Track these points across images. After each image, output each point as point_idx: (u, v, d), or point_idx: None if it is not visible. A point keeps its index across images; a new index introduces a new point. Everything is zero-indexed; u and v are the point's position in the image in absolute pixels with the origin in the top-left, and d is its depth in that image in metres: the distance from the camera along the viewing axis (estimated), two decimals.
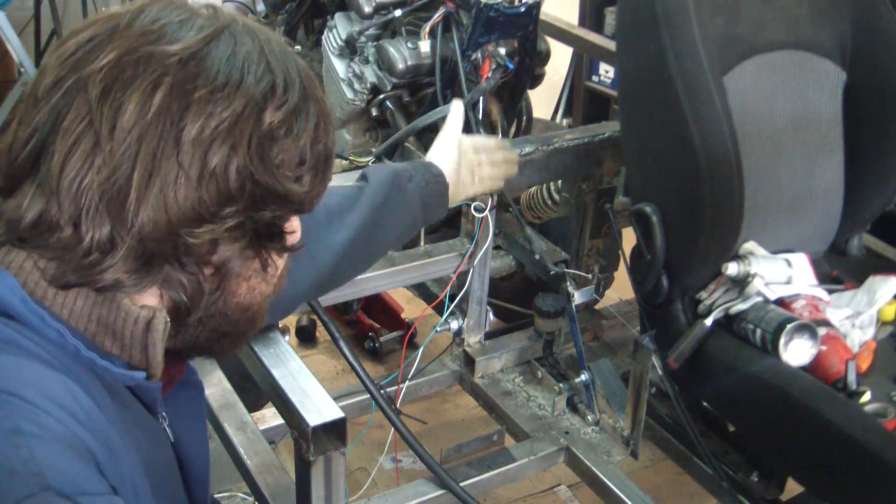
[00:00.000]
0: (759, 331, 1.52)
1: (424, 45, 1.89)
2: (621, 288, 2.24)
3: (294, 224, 0.87)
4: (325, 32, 2.11)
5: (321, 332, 2.73)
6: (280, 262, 0.87)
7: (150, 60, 0.74)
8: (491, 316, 1.91)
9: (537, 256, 1.76)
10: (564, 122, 3.16)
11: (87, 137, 0.72)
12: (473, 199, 1.61)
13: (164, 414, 0.89)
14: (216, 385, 1.57)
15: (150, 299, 0.79)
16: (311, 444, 1.12)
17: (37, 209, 0.73)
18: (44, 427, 0.68)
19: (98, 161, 0.72)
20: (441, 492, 1.54)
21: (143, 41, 0.75)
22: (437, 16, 1.87)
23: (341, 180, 1.65)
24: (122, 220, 0.73)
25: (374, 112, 2.05)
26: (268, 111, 0.77)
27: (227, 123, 0.75)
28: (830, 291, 1.65)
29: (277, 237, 0.83)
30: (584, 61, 3.09)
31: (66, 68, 0.75)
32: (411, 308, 2.67)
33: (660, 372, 1.60)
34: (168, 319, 0.80)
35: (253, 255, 0.82)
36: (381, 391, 1.45)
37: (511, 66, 1.88)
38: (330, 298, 1.48)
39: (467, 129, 1.89)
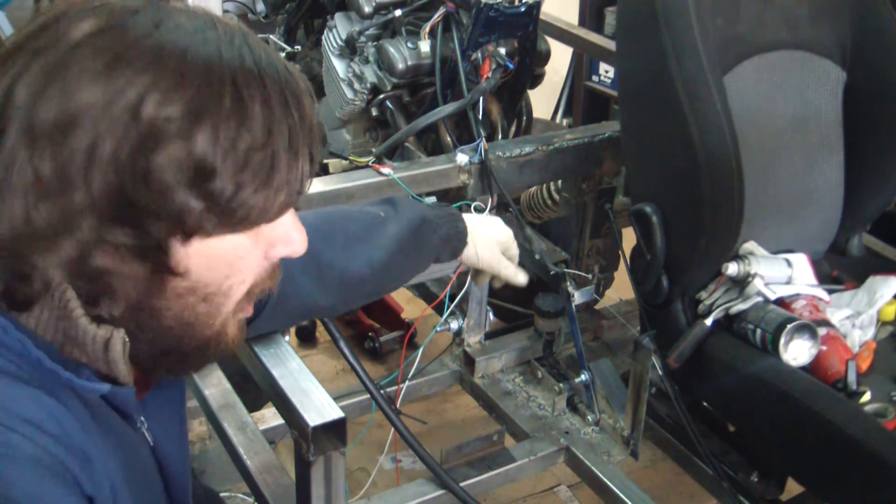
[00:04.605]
0: (759, 331, 1.52)
1: (424, 45, 1.89)
2: (621, 288, 2.24)
3: (286, 225, 0.81)
4: (325, 32, 2.11)
5: (321, 332, 2.73)
6: (197, 276, 0.77)
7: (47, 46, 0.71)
8: (491, 316, 1.91)
9: (537, 256, 1.76)
10: (564, 122, 3.16)
11: None
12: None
13: (142, 418, 0.88)
14: (216, 385, 1.57)
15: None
16: (311, 444, 1.12)
17: None
18: (12, 447, 0.67)
19: None
20: (441, 492, 1.54)
21: (39, 27, 0.73)
22: (437, 16, 1.86)
23: (341, 181, 1.66)
24: None
25: (374, 112, 2.05)
26: (147, 105, 0.69)
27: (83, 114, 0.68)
28: (830, 291, 1.65)
29: (152, 254, 0.73)
30: (584, 61, 3.10)
31: None
32: (411, 308, 2.66)
33: (660, 372, 1.60)
34: (126, 339, 0.77)
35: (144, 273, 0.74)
36: (381, 391, 1.45)
37: (511, 66, 1.88)
38: None
39: (468, 132, 1.89)
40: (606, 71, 3.05)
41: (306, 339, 2.72)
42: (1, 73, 0.71)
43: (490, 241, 1.42)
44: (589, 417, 1.77)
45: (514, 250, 1.47)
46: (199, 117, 0.70)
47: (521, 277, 1.47)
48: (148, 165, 0.69)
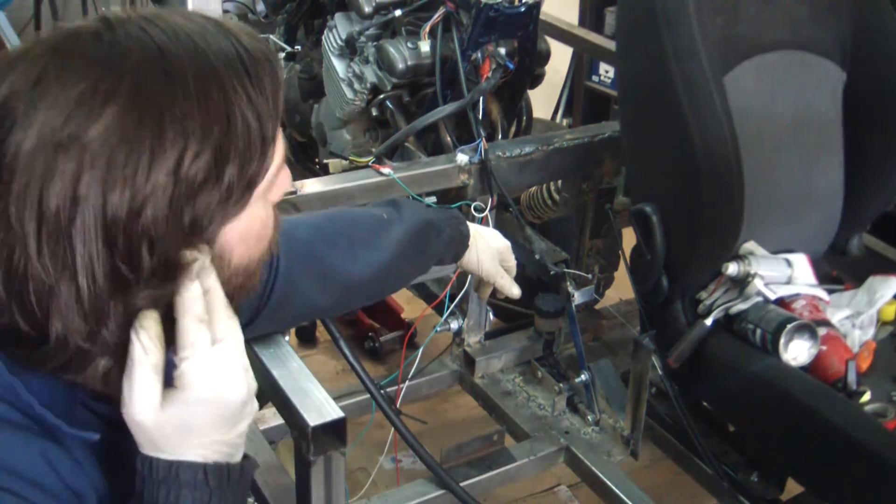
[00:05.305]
0: (759, 331, 1.52)
1: (424, 45, 1.89)
2: (621, 288, 2.24)
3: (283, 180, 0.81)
4: (325, 32, 2.11)
5: (321, 332, 2.73)
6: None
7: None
8: (491, 316, 1.91)
9: (537, 256, 1.76)
10: (564, 122, 3.16)
11: None
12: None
13: None
14: None
15: None
16: (311, 444, 1.12)
17: None
18: None
19: None
20: (441, 492, 1.54)
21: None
22: (437, 16, 1.86)
23: (341, 181, 1.66)
24: None
25: (374, 112, 2.05)
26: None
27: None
28: (830, 291, 1.65)
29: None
30: (584, 61, 3.10)
31: None
32: (411, 308, 2.66)
33: (660, 372, 1.60)
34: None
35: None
36: (381, 391, 1.45)
37: (511, 66, 1.88)
38: None
39: (468, 132, 1.89)
40: (606, 71, 3.06)
41: (306, 339, 2.72)
42: (30, 174, 0.68)
43: (491, 250, 1.43)
44: (589, 417, 1.77)
45: (512, 262, 1.49)
46: (225, 157, 0.72)
47: (515, 290, 1.49)
48: (190, 222, 0.72)
